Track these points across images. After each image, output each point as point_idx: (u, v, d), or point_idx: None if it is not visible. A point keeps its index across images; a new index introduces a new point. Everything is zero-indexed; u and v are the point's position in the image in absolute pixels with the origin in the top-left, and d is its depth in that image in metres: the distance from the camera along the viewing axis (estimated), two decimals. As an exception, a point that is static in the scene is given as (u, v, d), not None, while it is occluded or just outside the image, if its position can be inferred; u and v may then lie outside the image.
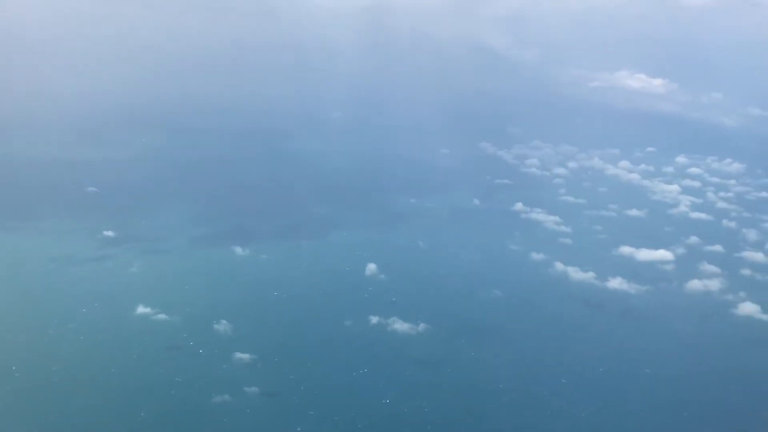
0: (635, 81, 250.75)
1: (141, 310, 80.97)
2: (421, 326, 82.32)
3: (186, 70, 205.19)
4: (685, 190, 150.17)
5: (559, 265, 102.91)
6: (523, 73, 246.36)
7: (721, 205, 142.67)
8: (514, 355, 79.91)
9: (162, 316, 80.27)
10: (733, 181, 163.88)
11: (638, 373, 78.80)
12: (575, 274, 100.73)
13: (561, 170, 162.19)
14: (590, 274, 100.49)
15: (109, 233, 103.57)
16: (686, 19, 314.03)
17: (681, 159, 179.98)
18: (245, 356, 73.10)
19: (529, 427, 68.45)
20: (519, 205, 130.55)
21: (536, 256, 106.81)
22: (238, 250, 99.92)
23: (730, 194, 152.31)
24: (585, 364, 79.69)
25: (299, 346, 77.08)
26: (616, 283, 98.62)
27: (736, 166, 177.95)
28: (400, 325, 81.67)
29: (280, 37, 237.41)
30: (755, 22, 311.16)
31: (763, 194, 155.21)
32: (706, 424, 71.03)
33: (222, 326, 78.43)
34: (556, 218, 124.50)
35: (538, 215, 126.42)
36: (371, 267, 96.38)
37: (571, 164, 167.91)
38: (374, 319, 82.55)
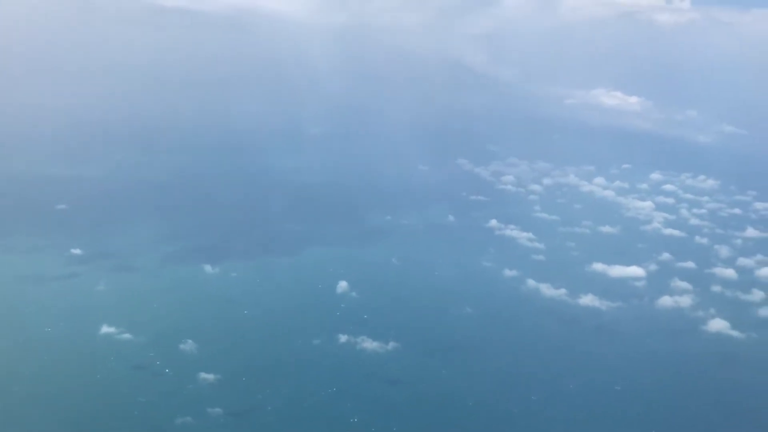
0: (611, 99, 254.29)
1: (106, 329, 79.52)
2: (391, 344, 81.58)
3: (163, 85, 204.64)
4: (659, 207, 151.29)
5: (531, 282, 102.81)
6: (501, 90, 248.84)
7: (694, 221, 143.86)
8: (485, 373, 79.28)
9: (127, 336, 78.88)
10: (706, 198, 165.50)
11: (609, 390, 78.44)
12: (547, 290, 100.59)
13: (536, 187, 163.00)
14: (562, 291, 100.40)
15: (77, 251, 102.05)
16: (660, 38, 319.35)
17: (656, 176, 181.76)
18: (210, 376, 71.85)
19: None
20: (493, 222, 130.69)
21: (509, 273, 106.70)
22: (208, 267, 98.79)
23: (703, 211, 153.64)
24: (556, 381, 79.24)
25: (266, 365, 75.92)
26: (587, 299, 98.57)
27: (710, 183, 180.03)
28: (369, 344, 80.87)
29: (259, 54, 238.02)
30: (727, 41, 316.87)
31: (736, 211, 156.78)
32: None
33: (188, 346, 77.15)
34: (530, 235, 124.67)
35: (512, 232, 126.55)
36: (343, 284, 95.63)
37: (547, 181, 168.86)
38: (343, 338, 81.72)
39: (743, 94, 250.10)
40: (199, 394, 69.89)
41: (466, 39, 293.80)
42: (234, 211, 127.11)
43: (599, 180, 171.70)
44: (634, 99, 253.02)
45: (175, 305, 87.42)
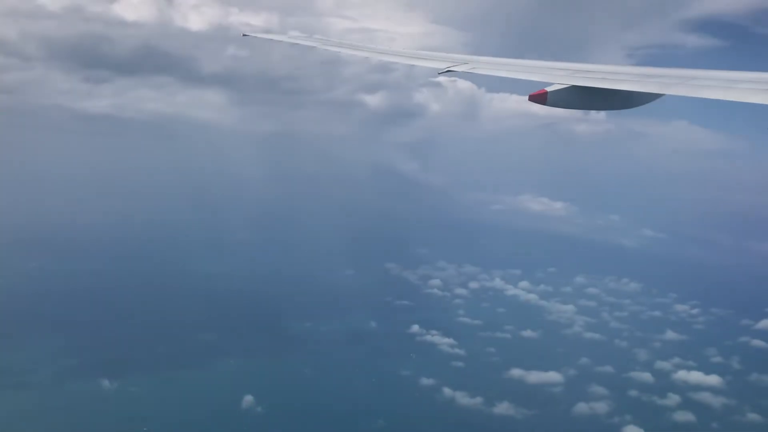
0: (537, 204, 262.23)
1: (-22, 455, 72.74)
2: (293, 463, 76.97)
3: (84, 191, 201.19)
4: (581, 310, 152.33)
5: (447, 391, 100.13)
6: (430, 196, 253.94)
7: (614, 324, 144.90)
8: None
9: (0, 463, 72.22)
10: (628, 301, 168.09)
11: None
12: (462, 399, 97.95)
13: (462, 291, 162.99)
14: (478, 400, 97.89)
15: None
16: (580, 147, 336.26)
17: (580, 279, 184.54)
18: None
19: None
20: (415, 327, 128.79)
21: (426, 381, 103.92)
22: (106, 383, 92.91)
23: (624, 314, 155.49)
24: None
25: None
26: (503, 407, 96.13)
27: (633, 286, 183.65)
28: (269, 464, 76.08)
29: (184, 160, 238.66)
30: (642, 151, 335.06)
31: (656, 313, 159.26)
32: None
33: (67, 471, 70.90)
34: (451, 340, 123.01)
35: (434, 337, 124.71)
36: (248, 399, 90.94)
37: (473, 284, 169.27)
38: (242, 458, 76.73)
39: (661, 200, 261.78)
40: None
41: (394, 147, 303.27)
42: (145, 322, 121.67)
43: (524, 284, 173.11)
44: (559, 205, 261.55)
45: (62, 425, 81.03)
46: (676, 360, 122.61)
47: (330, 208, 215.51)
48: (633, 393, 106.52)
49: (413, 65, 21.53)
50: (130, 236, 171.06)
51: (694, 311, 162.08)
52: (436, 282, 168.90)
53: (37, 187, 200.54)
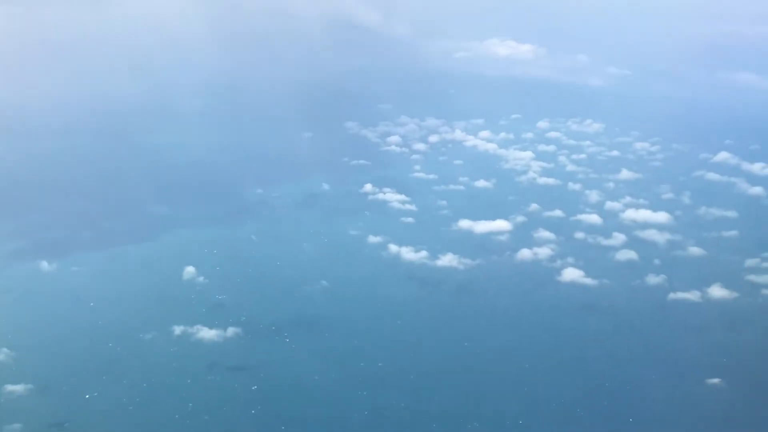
0: (505, 48, 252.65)
1: None
2: (230, 330, 77.91)
3: (20, 69, 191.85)
4: (538, 156, 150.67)
5: (392, 247, 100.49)
6: (392, 48, 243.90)
7: (570, 168, 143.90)
8: (332, 349, 76.75)
9: (-67, 349, 72.69)
10: (588, 142, 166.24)
11: (460, 348, 77.09)
12: (407, 254, 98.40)
13: (420, 146, 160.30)
14: (423, 254, 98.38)
15: None
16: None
17: (543, 124, 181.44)
18: (19, 387, 66.54)
19: (344, 423, 65.22)
20: (368, 186, 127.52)
21: (373, 239, 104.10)
22: (44, 264, 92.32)
23: (582, 156, 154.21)
24: (406, 349, 77.44)
25: (88, 369, 70.89)
26: (447, 259, 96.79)
27: (595, 127, 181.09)
28: (206, 333, 76.97)
29: (114, 27, 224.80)
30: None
31: (615, 153, 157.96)
32: (531, 396, 69.77)
33: (1, 355, 71.54)
34: (403, 197, 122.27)
35: (386, 195, 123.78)
36: (189, 270, 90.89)
37: (433, 138, 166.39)
38: (178, 330, 77.39)
39: (631, 36, 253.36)
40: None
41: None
42: (94, 199, 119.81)
43: (485, 133, 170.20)
44: (527, 47, 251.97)
45: (6, 309, 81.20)
46: (627, 199, 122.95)
47: (284, 67, 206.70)
48: (579, 236, 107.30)
49: None
50: (74, 112, 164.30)
51: (654, 148, 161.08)
52: (396, 139, 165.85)
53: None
